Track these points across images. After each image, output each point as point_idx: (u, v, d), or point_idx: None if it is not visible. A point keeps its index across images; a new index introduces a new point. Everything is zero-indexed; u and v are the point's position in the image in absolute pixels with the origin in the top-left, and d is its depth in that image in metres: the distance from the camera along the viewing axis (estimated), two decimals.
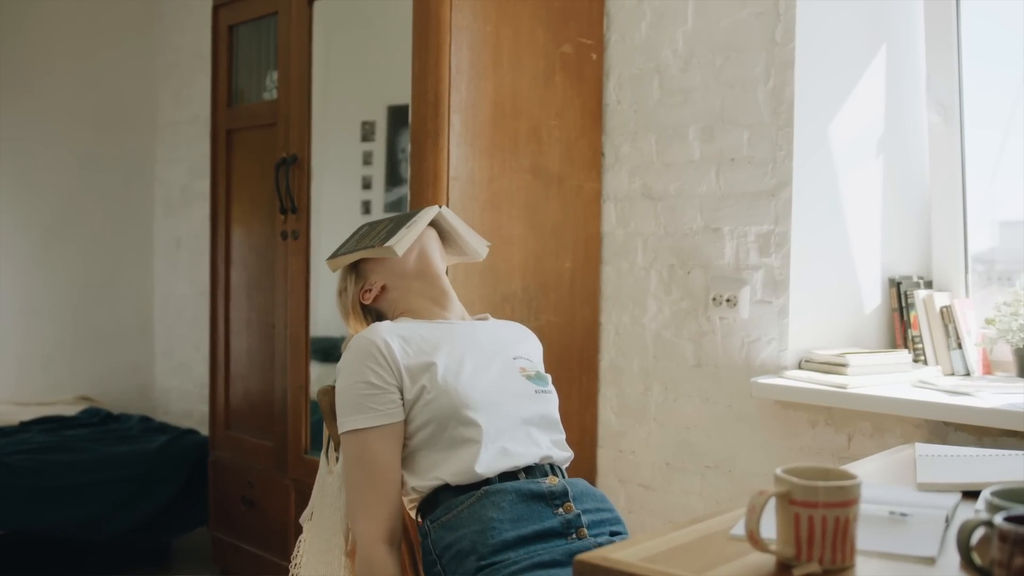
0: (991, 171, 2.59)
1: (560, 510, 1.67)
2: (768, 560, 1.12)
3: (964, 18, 2.54)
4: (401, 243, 1.83)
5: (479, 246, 2.03)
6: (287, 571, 3.01)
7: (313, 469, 2.91)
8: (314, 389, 3.01)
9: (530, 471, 1.72)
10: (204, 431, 3.88)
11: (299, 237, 2.96)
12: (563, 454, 1.80)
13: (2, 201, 4.21)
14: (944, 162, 2.59)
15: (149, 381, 4.66)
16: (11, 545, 3.45)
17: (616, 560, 1.13)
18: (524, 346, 1.92)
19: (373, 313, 1.93)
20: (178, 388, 4.54)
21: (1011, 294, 2.40)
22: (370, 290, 1.90)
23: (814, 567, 1.06)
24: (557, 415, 1.83)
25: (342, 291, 1.94)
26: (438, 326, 1.83)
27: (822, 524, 1.06)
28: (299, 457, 2.98)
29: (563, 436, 1.83)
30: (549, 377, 1.87)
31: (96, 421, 3.94)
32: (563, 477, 1.76)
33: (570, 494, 1.69)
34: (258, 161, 3.18)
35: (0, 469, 3.25)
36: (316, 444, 2.98)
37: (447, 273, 1.97)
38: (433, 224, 1.95)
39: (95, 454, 3.47)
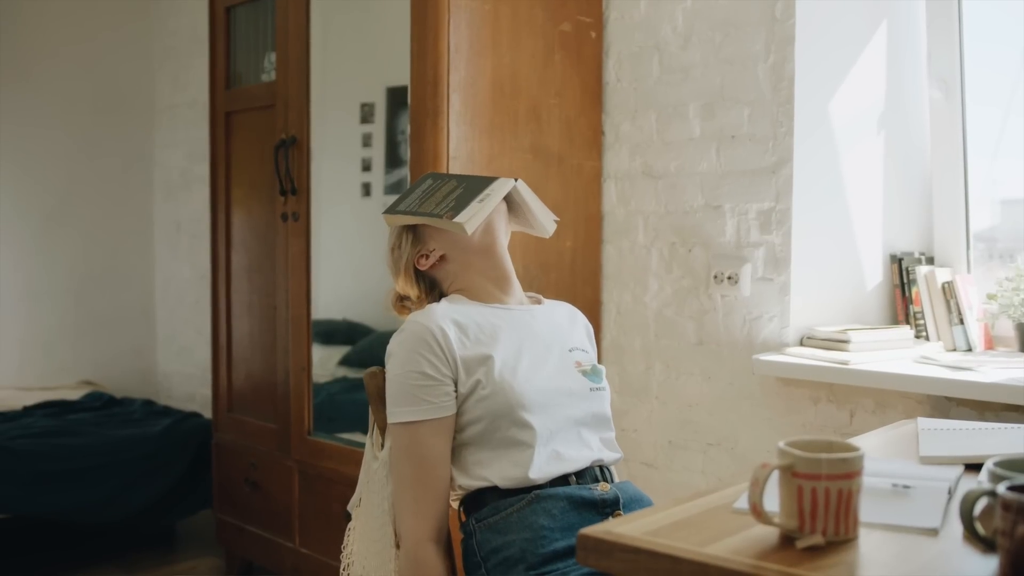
0: (992, 151, 2.58)
1: (610, 519, 1.64)
2: (771, 533, 1.12)
3: None
4: (472, 220, 1.72)
5: (547, 222, 1.89)
6: (292, 552, 3.04)
7: (315, 450, 2.94)
8: (316, 370, 3.02)
9: (581, 475, 1.69)
10: (207, 414, 3.88)
11: (299, 219, 2.95)
12: (613, 455, 1.77)
13: (2, 187, 4.20)
14: (945, 138, 2.58)
15: (151, 365, 4.67)
16: (15, 529, 3.46)
17: (620, 534, 1.13)
18: (577, 333, 1.87)
19: (426, 279, 1.82)
20: (180, 372, 4.55)
21: (1012, 269, 2.40)
22: (427, 256, 1.79)
23: (817, 539, 1.07)
24: (609, 412, 1.79)
25: (395, 248, 1.81)
26: (495, 311, 1.75)
27: (825, 496, 1.06)
28: (302, 438, 2.99)
29: (613, 434, 1.79)
30: (603, 370, 1.82)
31: (99, 405, 3.95)
32: (613, 481, 1.73)
33: (620, 502, 1.67)
34: (257, 143, 3.17)
35: (3, 454, 3.26)
36: (318, 425, 2.98)
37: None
38: (505, 196, 1.82)
39: (98, 438, 3.48)
